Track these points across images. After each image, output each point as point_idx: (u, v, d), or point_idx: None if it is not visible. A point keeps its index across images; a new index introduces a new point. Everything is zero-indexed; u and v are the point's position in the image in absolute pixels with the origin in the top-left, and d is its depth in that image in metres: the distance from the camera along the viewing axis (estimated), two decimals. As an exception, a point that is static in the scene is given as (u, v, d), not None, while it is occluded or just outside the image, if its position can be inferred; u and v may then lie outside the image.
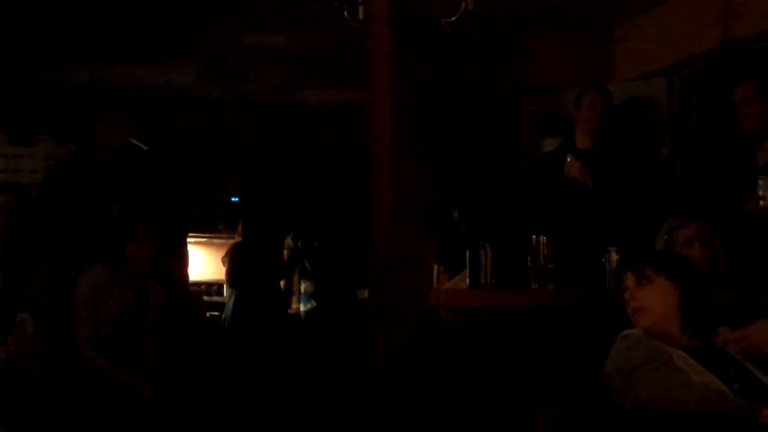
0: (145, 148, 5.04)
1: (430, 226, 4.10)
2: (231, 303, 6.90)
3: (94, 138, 4.84)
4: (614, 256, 3.68)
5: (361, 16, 3.86)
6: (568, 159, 4.96)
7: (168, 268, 5.14)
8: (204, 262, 7.67)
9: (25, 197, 4.45)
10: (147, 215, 4.44)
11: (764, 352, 2.81)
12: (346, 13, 3.93)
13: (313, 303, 6.96)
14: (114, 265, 4.28)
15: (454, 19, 3.83)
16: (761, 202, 4.16)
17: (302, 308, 7.07)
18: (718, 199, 4.84)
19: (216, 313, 7.02)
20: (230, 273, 7.02)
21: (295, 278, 7.32)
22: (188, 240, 5.85)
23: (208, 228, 7.78)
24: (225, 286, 7.30)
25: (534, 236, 3.60)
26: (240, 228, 7.22)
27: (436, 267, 3.56)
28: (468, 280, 3.54)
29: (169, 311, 4.69)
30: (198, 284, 7.13)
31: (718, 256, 3.72)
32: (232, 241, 7.33)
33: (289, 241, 7.12)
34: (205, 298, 7.37)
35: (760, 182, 4.19)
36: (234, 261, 7.01)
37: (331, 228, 7.10)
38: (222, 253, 7.29)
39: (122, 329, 4.22)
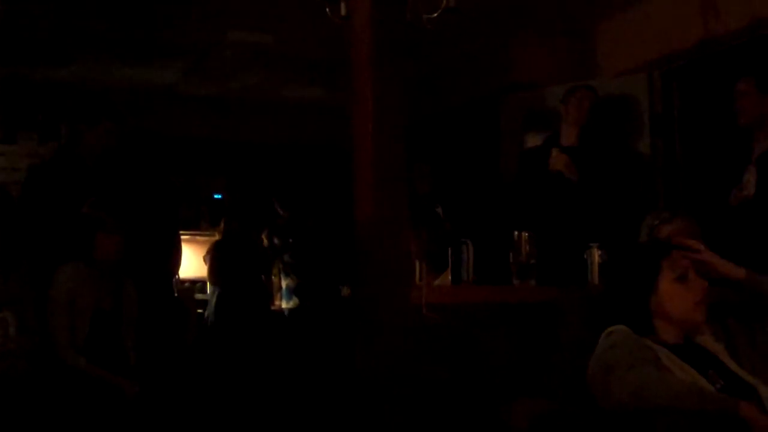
0: None
1: (416, 222, 4.12)
2: (213, 300, 6.90)
3: (81, 141, 4.84)
4: (595, 252, 3.70)
5: (343, 13, 3.87)
6: (554, 153, 4.98)
7: (159, 266, 5.15)
8: (187, 260, 7.65)
9: None
10: (116, 207, 4.43)
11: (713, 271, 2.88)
12: (328, 9, 3.94)
13: (296, 300, 6.96)
14: (87, 262, 4.28)
15: (435, 15, 3.85)
16: (744, 191, 4.21)
17: (285, 305, 7.06)
18: (702, 193, 4.87)
19: (200, 311, 7.02)
20: (212, 271, 7.03)
21: (275, 275, 7.31)
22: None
23: (191, 226, 7.78)
24: (208, 283, 7.31)
25: (516, 232, 3.62)
26: (222, 225, 7.22)
27: (418, 264, 3.56)
28: (450, 277, 3.55)
29: (155, 310, 4.70)
30: (182, 282, 7.12)
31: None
32: (215, 239, 7.33)
33: (263, 238, 7.11)
34: (189, 295, 7.36)
35: (746, 173, 4.24)
36: (215, 259, 7.01)
37: (308, 225, 7.10)
38: (205, 250, 7.28)
39: (99, 327, 4.21)
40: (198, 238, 7.87)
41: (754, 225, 4.24)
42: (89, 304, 4.22)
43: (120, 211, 4.42)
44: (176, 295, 6.03)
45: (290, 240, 7.01)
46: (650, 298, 2.80)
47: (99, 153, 4.82)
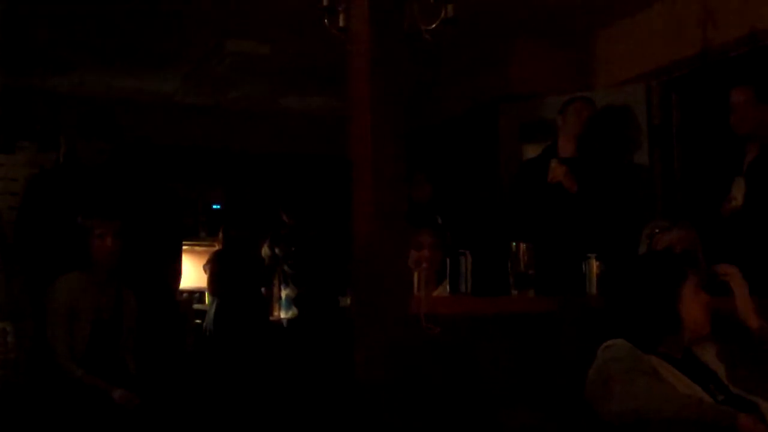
0: None
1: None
2: (212, 311, 6.89)
3: (78, 152, 4.86)
4: (594, 263, 3.69)
5: (341, 24, 3.88)
6: (552, 164, 4.98)
7: (160, 276, 5.15)
8: (186, 270, 7.65)
9: None
10: (108, 211, 4.43)
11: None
12: (326, 20, 3.95)
13: (295, 311, 6.94)
14: (86, 271, 4.27)
15: (434, 26, 3.86)
16: (733, 202, 4.22)
17: (284, 315, 7.05)
18: (699, 203, 4.87)
19: (198, 321, 7.00)
20: (211, 281, 7.02)
21: (275, 285, 7.30)
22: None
23: (190, 235, 7.77)
24: (206, 293, 7.30)
25: (514, 243, 3.61)
26: (220, 235, 7.21)
27: (416, 274, 3.55)
28: (448, 287, 3.55)
29: (155, 320, 4.69)
30: (180, 292, 7.12)
31: (699, 260, 3.73)
32: (213, 249, 7.32)
33: (265, 248, 7.10)
34: (187, 305, 7.34)
35: (734, 184, 4.25)
36: (214, 269, 7.00)
37: (310, 234, 7.08)
38: (204, 260, 7.27)
39: (98, 337, 4.20)
40: (197, 248, 7.87)
41: (744, 235, 4.24)
42: (89, 314, 4.21)
43: (115, 216, 4.42)
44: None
45: (292, 249, 7.00)
46: (678, 306, 2.81)
47: (96, 165, 4.83)
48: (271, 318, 7.24)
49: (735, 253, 4.13)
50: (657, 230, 3.74)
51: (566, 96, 5.28)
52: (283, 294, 7.06)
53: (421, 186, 6.01)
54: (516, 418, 2.99)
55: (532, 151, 5.61)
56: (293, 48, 6.42)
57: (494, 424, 3.13)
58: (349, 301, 6.38)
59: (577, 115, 5.07)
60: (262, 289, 7.20)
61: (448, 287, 3.59)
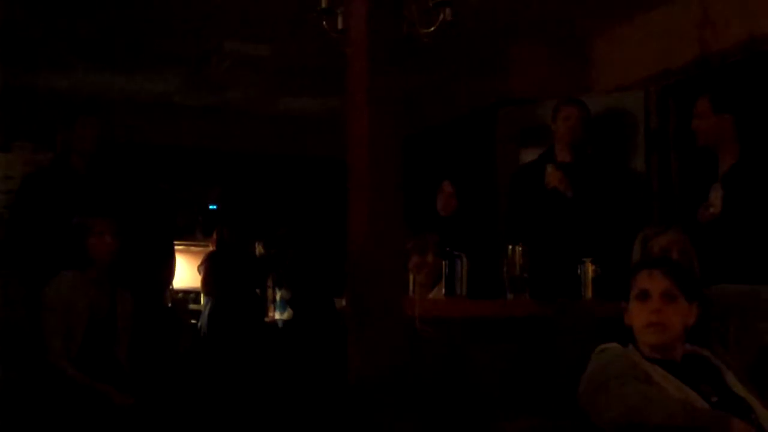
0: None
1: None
2: (206, 311, 6.89)
3: (71, 146, 4.85)
4: (589, 267, 3.70)
5: (339, 26, 3.88)
6: (549, 169, 4.97)
7: (153, 275, 5.15)
8: (181, 270, 7.66)
9: None
10: (107, 210, 4.43)
11: None
12: (325, 22, 3.95)
13: (290, 312, 6.94)
14: (82, 270, 4.26)
15: (432, 29, 3.86)
16: (711, 209, 4.21)
17: (279, 316, 7.05)
18: (689, 209, 4.87)
19: (193, 321, 7.01)
20: (205, 281, 7.02)
21: (270, 286, 7.30)
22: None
23: (187, 236, 7.77)
24: (201, 294, 7.30)
25: (509, 246, 3.62)
26: (215, 236, 7.21)
27: (411, 277, 3.56)
28: (444, 290, 3.56)
29: (148, 319, 4.69)
30: (176, 292, 7.12)
31: (693, 264, 3.73)
32: (209, 249, 7.32)
33: (259, 248, 7.10)
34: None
35: (712, 192, 4.25)
36: (209, 269, 7.00)
37: (306, 236, 7.09)
38: (199, 260, 7.28)
39: (93, 336, 4.19)
40: (192, 248, 7.87)
41: (722, 242, 4.23)
42: (84, 312, 4.20)
43: (113, 214, 4.42)
44: (169, 305, 6.02)
45: (288, 250, 7.00)
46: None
47: (88, 152, 4.82)
48: (266, 319, 7.24)
49: (713, 259, 4.13)
50: (653, 234, 3.74)
51: (556, 102, 5.25)
52: (278, 295, 7.07)
53: (446, 197, 5.81)
54: (510, 422, 2.99)
55: (530, 156, 5.60)
56: (292, 49, 6.42)
57: (488, 426, 3.13)
58: (344, 302, 6.38)
59: (566, 119, 5.02)
60: (257, 290, 7.21)
61: (443, 290, 3.60)
